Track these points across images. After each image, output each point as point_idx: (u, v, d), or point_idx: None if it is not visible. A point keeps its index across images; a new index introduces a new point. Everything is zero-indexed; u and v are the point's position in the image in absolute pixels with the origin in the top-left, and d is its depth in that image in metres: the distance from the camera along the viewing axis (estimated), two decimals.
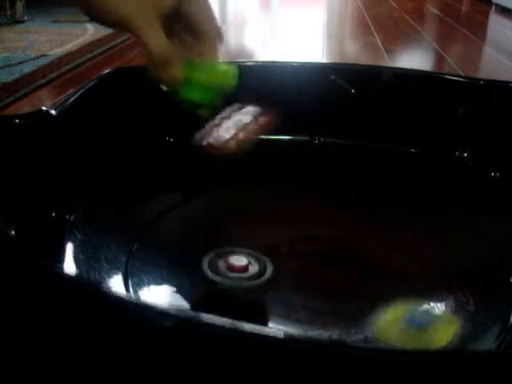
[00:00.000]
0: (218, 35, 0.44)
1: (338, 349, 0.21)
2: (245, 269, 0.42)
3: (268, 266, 0.43)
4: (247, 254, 0.43)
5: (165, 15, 0.40)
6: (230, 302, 0.41)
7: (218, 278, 0.41)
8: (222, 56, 0.45)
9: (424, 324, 0.37)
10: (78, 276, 0.23)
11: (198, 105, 0.45)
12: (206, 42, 0.43)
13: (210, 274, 0.41)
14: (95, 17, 0.40)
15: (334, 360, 0.21)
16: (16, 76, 0.98)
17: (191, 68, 0.43)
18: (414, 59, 1.22)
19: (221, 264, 0.42)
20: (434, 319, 0.38)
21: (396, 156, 0.62)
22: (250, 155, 0.61)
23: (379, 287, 0.43)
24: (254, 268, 0.42)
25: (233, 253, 0.43)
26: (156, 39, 0.40)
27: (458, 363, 0.22)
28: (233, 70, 0.45)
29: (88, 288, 0.22)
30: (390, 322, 0.37)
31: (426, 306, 0.40)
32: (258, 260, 0.43)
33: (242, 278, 0.41)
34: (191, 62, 0.43)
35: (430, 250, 0.48)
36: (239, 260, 0.42)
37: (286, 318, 0.40)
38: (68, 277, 0.24)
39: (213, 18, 0.44)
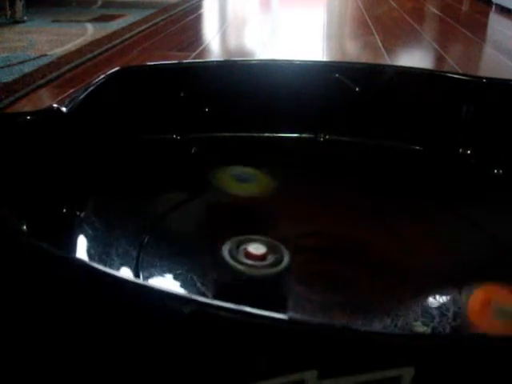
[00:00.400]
0: None
1: (344, 333, 0.21)
2: (263, 257, 0.42)
3: (285, 255, 0.43)
4: (265, 243, 0.44)
5: None
6: (242, 292, 0.41)
7: (235, 264, 0.42)
8: None
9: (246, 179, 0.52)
10: (94, 265, 0.23)
11: None
12: None
13: (230, 261, 0.42)
14: None
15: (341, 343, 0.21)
16: (16, 76, 0.98)
17: None
18: (414, 59, 1.22)
19: (240, 251, 0.43)
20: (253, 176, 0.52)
21: (400, 153, 0.62)
22: (255, 153, 0.62)
23: (383, 282, 0.43)
24: (271, 257, 0.42)
25: (252, 241, 0.44)
26: None
27: (462, 348, 0.22)
28: None
29: (106, 276, 0.22)
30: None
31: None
32: (276, 249, 0.44)
33: (259, 265, 0.42)
34: None
35: (433, 245, 0.48)
36: (258, 248, 0.43)
37: (293, 310, 0.40)
38: (85, 265, 0.24)
39: None
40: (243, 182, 0.52)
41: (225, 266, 0.42)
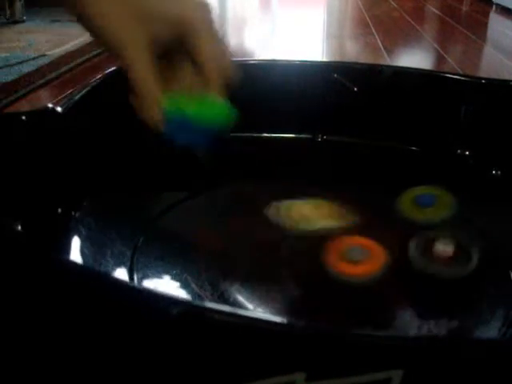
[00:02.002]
0: (225, 75, 0.39)
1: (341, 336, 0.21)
2: None
3: None
4: None
5: (164, 43, 0.37)
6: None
7: None
8: (224, 95, 0.39)
9: (429, 203, 0.52)
10: (87, 267, 0.23)
11: (188, 146, 0.40)
12: (209, 79, 0.39)
13: None
14: (84, 24, 0.36)
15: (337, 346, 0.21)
16: (15, 76, 0.98)
17: (181, 103, 0.38)
18: (415, 59, 1.22)
19: None
20: (436, 199, 0.52)
21: (398, 154, 0.62)
22: (254, 153, 0.62)
23: (381, 282, 0.43)
24: None
25: None
26: (142, 74, 0.37)
27: (461, 350, 0.22)
28: (229, 109, 0.39)
29: (98, 277, 0.22)
30: (407, 204, 0.52)
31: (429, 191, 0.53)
32: None
33: None
34: (183, 97, 0.39)
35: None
36: None
37: (289, 314, 0.40)
38: (78, 267, 0.24)
39: (223, 56, 0.40)
40: (426, 206, 0.51)
41: None
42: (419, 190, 0.53)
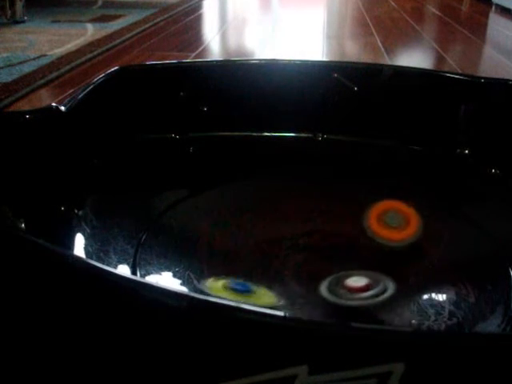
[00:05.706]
0: None
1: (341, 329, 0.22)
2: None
3: None
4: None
5: None
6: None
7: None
8: None
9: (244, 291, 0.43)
10: (90, 261, 0.23)
11: None
12: None
13: None
14: None
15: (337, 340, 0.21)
16: (16, 76, 0.98)
17: None
18: (414, 59, 1.22)
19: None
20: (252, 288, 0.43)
21: (398, 153, 0.62)
22: (254, 153, 0.62)
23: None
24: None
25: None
26: None
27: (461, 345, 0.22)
28: None
29: (101, 271, 0.22)
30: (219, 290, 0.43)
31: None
32: None
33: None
34: None
35: (430, 243, 0.48)
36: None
37: (291, 308, 0.40)
38: (81, 261, 0.24)
39: None
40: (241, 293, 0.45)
41: None
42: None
